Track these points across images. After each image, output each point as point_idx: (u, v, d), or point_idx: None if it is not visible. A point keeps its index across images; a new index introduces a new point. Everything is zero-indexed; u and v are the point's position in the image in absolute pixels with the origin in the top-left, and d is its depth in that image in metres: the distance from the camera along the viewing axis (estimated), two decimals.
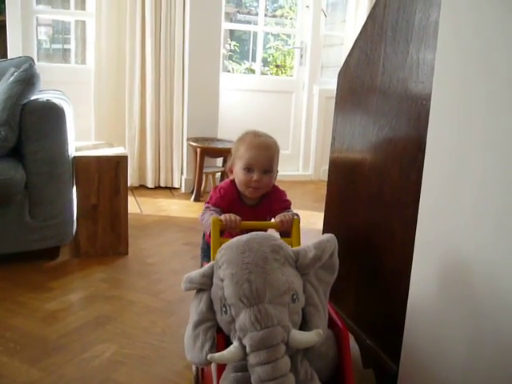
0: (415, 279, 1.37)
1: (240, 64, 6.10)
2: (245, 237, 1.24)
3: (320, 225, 2.08)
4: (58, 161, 2.50)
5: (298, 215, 1.63)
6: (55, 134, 2.45)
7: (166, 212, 3.69)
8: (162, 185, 4.31)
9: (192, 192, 4.09)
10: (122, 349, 1.85)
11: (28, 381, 1.65)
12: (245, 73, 5.96)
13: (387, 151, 1.55)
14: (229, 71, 5.55)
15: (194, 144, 3.96)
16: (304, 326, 1.19)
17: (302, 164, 5.00)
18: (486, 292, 1.13)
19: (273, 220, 1.64)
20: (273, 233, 1.42)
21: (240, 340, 1.12)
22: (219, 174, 4.24)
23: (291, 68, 5.43)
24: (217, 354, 1.12)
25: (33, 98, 2.48)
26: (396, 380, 1.44)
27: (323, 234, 1.54)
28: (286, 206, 1.73)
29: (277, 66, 5.93)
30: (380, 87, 1.60)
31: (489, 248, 1.12)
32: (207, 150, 3.93)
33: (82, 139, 3.28)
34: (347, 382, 1.24)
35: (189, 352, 1.21)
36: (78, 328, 1.98)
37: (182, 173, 4.29)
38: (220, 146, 4.00)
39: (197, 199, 4.00)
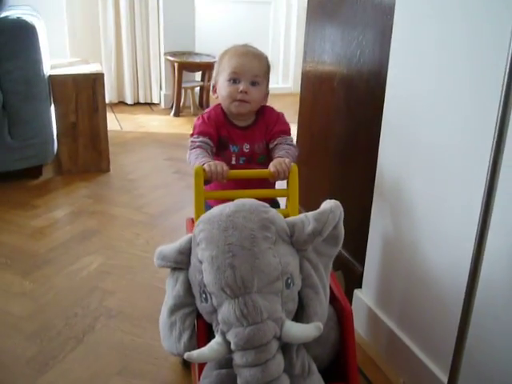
0: (377, 193, 1.46)
1: None
2: (228, 208, 1.03)
3: None
4: (34, 80, 2.49)
5: (294, 146, 1.46)
6: (28, 53, 2.42)
7: (146, 128, 3.71)
8: (142, 101, 4.29)
9: (171, 107, 4.09)
10: (108, 260, 1.96)
11: (21, 291, 1.75)
12: None
13: (355, 66, 1.59)
14: None
15: (172, 58, 3.91)
16: (301, 311, 1.03)
17: (282, 76, 4.99)
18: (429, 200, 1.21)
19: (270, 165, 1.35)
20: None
21: (223, 334, 0.95)
22: (198, 88, 4.22)
23: None
24: (195, 352, 0.95)
25: (2, 15, 2.44)
26: (361, 278, 1.57)
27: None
28: (284, 129, 1.50)
29: None
30: None
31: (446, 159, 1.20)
32: (185, 65, 3.90)
33: (57, 56, 3.23)
34: (350, 366, 1.11)
35: (165, 340, 1.06)
36: (65, 242, 2.08)
37: (160, 88, 4.27)
38: (198, 59, 3.97)
39: (176, 114, 4.01)
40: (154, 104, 4.30)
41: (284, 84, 4.90)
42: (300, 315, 1.02)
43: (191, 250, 1.04)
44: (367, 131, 1.54)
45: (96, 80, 2.66)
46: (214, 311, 0.97)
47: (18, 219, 2.26)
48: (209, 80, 3.96)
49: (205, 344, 0.97)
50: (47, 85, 2.57)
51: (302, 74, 2.00)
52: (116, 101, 4.24)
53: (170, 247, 1.06)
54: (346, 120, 1.68)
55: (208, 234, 0.99)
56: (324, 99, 1.83)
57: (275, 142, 1.46)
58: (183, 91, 4.06)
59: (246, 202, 1.06)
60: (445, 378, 1.18)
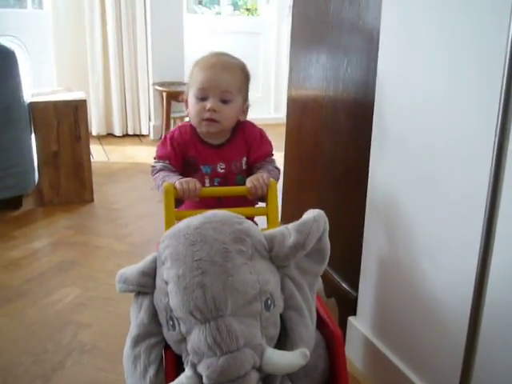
0: (370, 211, 1.35)
1: (210, 8, 5.90)
2: (196, 220, 0.91)
3: None
4: (13, 107, 2.41)
5: (278, 169, 1.36)
6: (7, 79, 2.35)
7: (134, 159, 3.63)
8: (130, 132, 4.22)
9: (160, 138, 4.01)
10: (86, 292, 1.84)
11: None
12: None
13: (342, 80, 1.50)
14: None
15: (160, 88, 3.86)
16: (284, 336, 0.90)
17: (274, 106, 4.94)
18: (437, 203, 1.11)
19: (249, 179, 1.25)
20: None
21: (194, 366, 0.82)
22: (187, 118, 4.15)
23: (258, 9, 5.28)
24: None
25: None
26: (356, 304, 1.45)
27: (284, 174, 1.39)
28: (267, 151, 1.37)
29: (247, 10, 5.76)
30: (332, 21, 1.54)
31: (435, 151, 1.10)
32: (173, 94, 3.84)
33: (44, 87, 3.17)
34: None
35: (129, 377, 0.91)
36: (41, 274, 1.96)
37: (149, 119, 4.20)
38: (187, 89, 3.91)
39: None
40: (142, 135, 4.23)
41: (276, 114, 4.84)
42: (283, 341, 0.89)
43: (156, 271, 0.91)
44: (356, 146, 1.45)
45: (78, 107, 2.58)
46: (183, 340, 0.84)
47: None
48: None
49: (174, 379, 0.84)
50: (27, 112, 2.49)
51: (288, 99, 1.93)
52: (104, 133, 4.16)
53: (133, 268, 0.93)
54: (334, 136, 1.58)
55: (173, 249, 0.87)
56: (311, 119, 1.74)
57: (258, 166, 1.35)
58: (172, 121, 3.99)
59: (217, 212, 0.94)
60: None
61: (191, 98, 1.30)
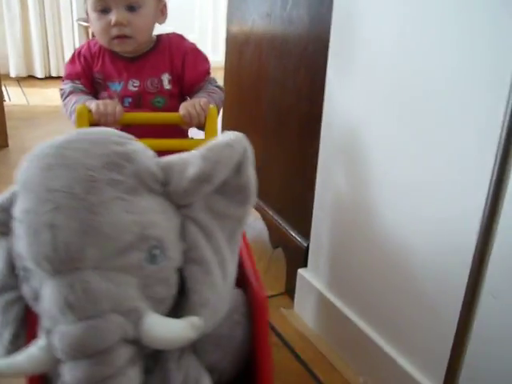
0: (323, 145, 1.16)
1: None
2: (63, 137, 0.68)
3: None
4: None
5: (220, 88, 1.14)
6: None
7: (57, 102, 3.26)
8: (54, 74, 3.82)
9: None
10: None
11: None
12: None
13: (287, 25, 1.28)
14: None
15: (86, 24, 3.48)
16: (184, 298, 0.68)
17: (212, 48, 4.63)
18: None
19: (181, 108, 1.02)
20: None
21: (49, 334, 0.61)
22: None
23: None
24: (4, 362, 0.62)
25: None
26: (307, 255, 1.27)
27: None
28: (203, 70, 1.14)
29: None
30: None
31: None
32: None
33: None
34: (263, 372, 0.77)
35: None
36: None
37: None
38: None
39: None
40: None
41: (214, 57, 4.55)
42: (183, 305, 0.67)
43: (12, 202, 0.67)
44: (307, 72, 1.24)
45: None
46: (36, 297, 0.63)
47: None
48: None
49: None
50: None
51: (227, 38, 1.69)
52: (25, 74, 3.76)
53: None
54: (282, 59, 1.36)
55: (26, 175, 0.64)
56: (252, 53, 1.51)
57: (197, 87, 1.12)
58: None
59: (94, 130, 0.71)
60: (419, 375, 0.91)
61: (90, 12, 1.05)
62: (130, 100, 1.09)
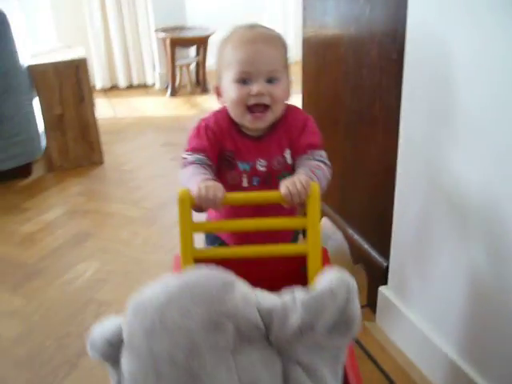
0: (401, 171, 1.26)
1: None
2: (163, 293, 0.71)
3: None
4: (11, 72, 2.29)
5: (325, 163, 1.08)
6: (0, 44, 2.21)
7: (142, 112, 3.51)
8: (135, 83, 4.09)
9: (167, 87, 3.87)
10: (104, 266, 1.79)
11: (10, 310, 1.59)
12: None
13: (364, 28, 1.37)
14: None
15: (163, 35, 3.68)
16: None
17: None
18: (471, 185, 1.02)
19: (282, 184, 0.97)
20: None
21: None
22: (194, 64, 3.98)
23: None
24: None
25: None
26: (387, 274, 1.38)
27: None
28: (311, 142, 1.10)
29: None
30: None
31: None
32: (177, 40, 3.66)
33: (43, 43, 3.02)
34: None
35: None
36: (56, 249, 1.90)
37: (154, 68, 4.05)
38: (190, 34, 3.72)
39: (173, 94, 3.79)
40: (148, 86, 4.08)
41: None
42: None
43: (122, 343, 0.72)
44: (383, 101, 1.33)
45: (79, 67, 2.45)
46: None
47: (7, 225, 2.09)
48: (204, 55, 3.74)
49: None
50: (27, 76, 2.37)
51: (303, 41, 1.77)
52: (109, 85, 4.04)
53: (103, 330, 0.75)
54: (357, 90, 1.46)
55: (129, 332, 0.69)
56: (330, 67, 1.61)
57: (301, 158, 1.10)
58: (178, 69, 3.83)
59: (198, 279, 0.72)
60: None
61: (228, 83, 1.07)
62: (258, 179, 1.11)
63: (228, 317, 0.66)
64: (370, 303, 1.47)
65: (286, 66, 1.09)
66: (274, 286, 0.87)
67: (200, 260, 0.97)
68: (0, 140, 2.33)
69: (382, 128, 1.36)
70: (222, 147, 1.11)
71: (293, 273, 1.02)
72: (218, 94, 1.13)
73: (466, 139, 1.02)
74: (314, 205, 0.96)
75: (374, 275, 1.44)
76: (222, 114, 1.12)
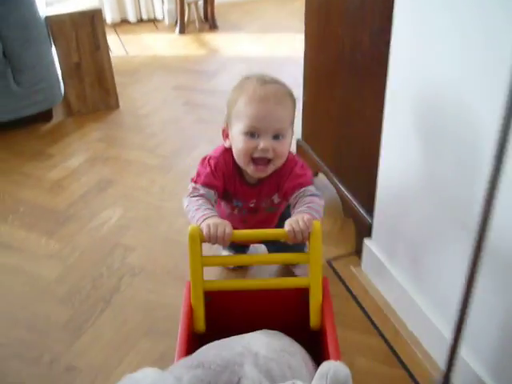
0: (386, 142, 1.44)
1: None
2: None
3: None
4: (31, 23, 2.41)
5: (317, 196, 1.22)
6: None
7: (153, 50, 3.62)
8: (145, 17, 4.15)
9: (176, 23, 3.95)
10: (126, 212, 2.02)
11: (48, 253, 1.84)
12: None
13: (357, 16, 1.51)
14: None
15: None
16: None
17: None
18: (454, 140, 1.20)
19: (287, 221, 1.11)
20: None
21: None
22: (201, 1, 4.03)
23: None
24: None
25: None
26: (371, 228, 1.61)
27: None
28: (300, 183, 1.25)
29: None
30: None
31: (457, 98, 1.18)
32: None
33: None
34: None
35: None
36: (82, 195, 2.14)
37: (163, 2, 4.10)
38: None
39: (182, 31, 3.88)
40: (157, 20, 4.15)
41: None
42: None
43: None
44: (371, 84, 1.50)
45: (94, 17, 2.57)
46: None
47: (35, 172, 2.30)
48: None
49: None
50: (45, 27, 2.50)
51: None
52: (118, 19, 4.11)
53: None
54: (350, 70, 1.62)
55: None
56: (329, 45, 1.75)
57: (294, 198, 1.24)
58: (187, 6, 3.89)
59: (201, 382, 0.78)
60: (446, 332, 1.25)
61: (237, 133, 1.19)
62: (247, 211, 1.35)
63: None
64: (357, 251, 1.72)
65: (292, 122, 1.22)
66: (276, 316, 1.09)
67: (208, 290, 1.12)
68: (23, 88, 2.50)
69: (372, 90, 1.51)
70: (225, 187, 1.28)
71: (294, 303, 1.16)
72: (226, 135, 1.25)
73: (453, 104, 1.15)
74: (316, 241, 1.05)
75: (361, 229, 1.67)
76: (229, 156, 1.26)
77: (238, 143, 1.20)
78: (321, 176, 1.95)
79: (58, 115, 2.76)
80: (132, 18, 4.11)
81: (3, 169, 2.32)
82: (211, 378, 0.78)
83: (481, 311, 1.06)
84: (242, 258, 1.22)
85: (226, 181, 1.28)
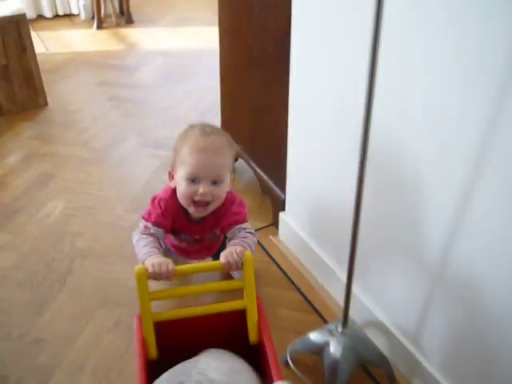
0: (292, 130, 1.76)
1: None
2: None
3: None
4: None
5: (251, 233, 1.42)
6: None
7: (72, 47, 3.77)
8: (61, 12, 4.26)
9: (93, 18, 4.10)
10: (69, 203, 2.25)
11: (1, 245, 2.04)
12: None
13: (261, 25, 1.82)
14: None
15: None
16: None
17: None
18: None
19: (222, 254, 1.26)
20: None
21: None
22: None
23: None
24: None
25: None
26: (284, 203, 1.95)
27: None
28: (236, 219, 1.44)
29: None
30: None
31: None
32: None
33: None
34: None
35: None
36: (26, 190, 2.33)
37: None
38: None
39: (99, 27, 4.04)
40: (74, 15, 4.27)
41: None
42: None
43: None
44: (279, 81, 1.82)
45: (19, 21, 2.73)
46: None
47: None
48: None
49: None
50: None
51: None
52: (34, 15, 4.19)
53: None
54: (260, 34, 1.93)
55: None
56: (240, 47, 2.05)
57: (231, 233, 1.44)
58: (102, 0, 4.04)
59: None
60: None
61: (180, 177, 1.36)
62: (192, 241, 1.56)
63: None
64: (275, 223, 2.05)
65: (230, 168, 1.39)
66: (220, 335, 1.26)
67: (157, 321, 1.23)
68: None
69: (278, 88, 1.79)
70: (173, 226, 1.47)
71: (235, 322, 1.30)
72: (171, 177, 1.42)
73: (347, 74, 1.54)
74: (249, 269, 1.21)
75: (276, 204, 2.01)
76: (173, 200, 1.43)
77: (180, 187, 1.37)
78: (240, 160, 2.26)
79: None
80: (48, 13, 4.20)
81: None
82: None
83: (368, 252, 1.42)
84: (186, 290, 1.35)
85: (174, 220, 1.46)
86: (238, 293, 1.29)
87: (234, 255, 1.21)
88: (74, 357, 1.60)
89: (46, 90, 3.00)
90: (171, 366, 1.17)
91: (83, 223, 2.14)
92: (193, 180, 1.34)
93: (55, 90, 3.16)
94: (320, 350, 1.45)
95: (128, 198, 2.27)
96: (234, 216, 1.44)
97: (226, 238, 1.52)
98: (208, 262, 1.46)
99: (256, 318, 1.27)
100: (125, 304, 1.78)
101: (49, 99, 3.02)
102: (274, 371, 1.15)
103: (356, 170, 1.15)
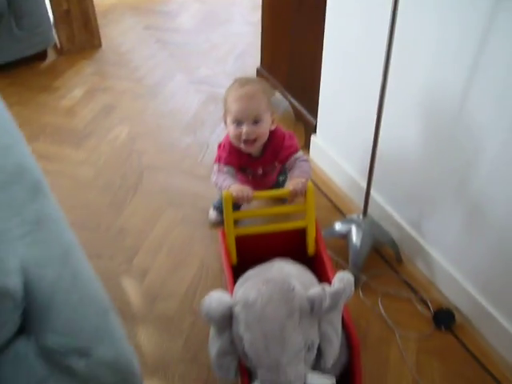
0: (325, 63, 2.12)
1: None
2: (261, 299, 1.18)
3: None
4: None
5: (306, 160, 1.69)
6: None
7: None
8: None
9: None
10: (132, 128, 2.66)
11: (79, 160, 2.46)
12: None
13: None
14: None
15: None
16: (318, 355, 1.23)
17: None
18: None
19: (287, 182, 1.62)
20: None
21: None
22: None
23: None
24: None
25: None
26: (316, 128, 2.35)
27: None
28: (291, 152, 1.71)
29: None
30: None
31: None
32: None
33: None
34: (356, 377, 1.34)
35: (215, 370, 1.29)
36: (93, 118, 2.75)
37: None
38: None
39: None
40: None
41: None
42: (317, 359, 1.25)
43: (232, 316, 1.22)
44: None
45: None
46: (253, 367, 1.21)
47: (48, 102, 2.87)
48: None
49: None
50: None
51: None
52: None
53: (215, 307, 1.21)
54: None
55: (246, 318, 1.18)
56: None
57: (289, 163, 1.72)
58: None
59: (274, 291, 1.20)
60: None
61: (229, 123, 1.67)
62: (258, 174, 1.84)
63: (295, 309, 1.18)
64: (306, 145, 2.46)
65: (267, 108, 1.65)
66: (285, 249, 1.55)
67: (237, 235, 1.55)
68: (24, 32, 3.02)
69: (315, 28, 2.17)
70: (239, 162, 1.76)
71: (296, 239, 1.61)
72: (225, 122, 1.72)
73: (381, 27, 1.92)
74: (311, 196, 1.53)
75: (308, 129, 2.41)
76: (233, 144, 1.72)
77: (230, 130, 1.68)
78: (277, 94, 2.65)
79: (50, 55, 3.29)
80: None
81: (20, 100, 2.87)
82: (280, 286, 1.21)
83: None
84: (259, 211, 1.80)
85: (239, 158, 1.74)
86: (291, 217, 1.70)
87: (300, 185, 1.54)
88: (152, 241, 2.05)
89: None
90: (246, 271, 1.46)
91: (146, 144, 2.56)
92: (238, 123, 1.64)
93: (107, 33, 3.54)
94: (345, 234, 1.89)
95: (182, 124, 2.68)
96: (289, 149, 1.73)
97: (279, 174, 1.92)
98: (278, 190, 1.82)
99: (314, 234, 1.59)
100: (188, 206, 2.21)
101: (102, 41, 3.40)
102: (329, 271, 1.46)
103: (378, 94, 1.56)
